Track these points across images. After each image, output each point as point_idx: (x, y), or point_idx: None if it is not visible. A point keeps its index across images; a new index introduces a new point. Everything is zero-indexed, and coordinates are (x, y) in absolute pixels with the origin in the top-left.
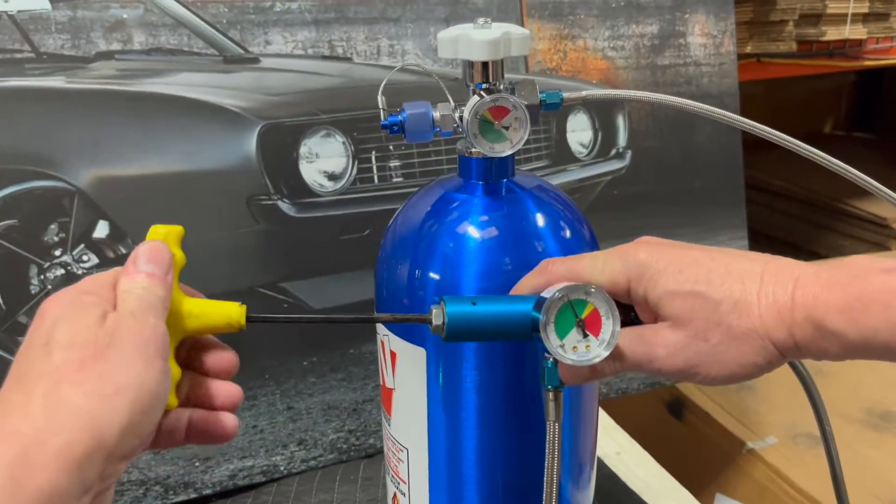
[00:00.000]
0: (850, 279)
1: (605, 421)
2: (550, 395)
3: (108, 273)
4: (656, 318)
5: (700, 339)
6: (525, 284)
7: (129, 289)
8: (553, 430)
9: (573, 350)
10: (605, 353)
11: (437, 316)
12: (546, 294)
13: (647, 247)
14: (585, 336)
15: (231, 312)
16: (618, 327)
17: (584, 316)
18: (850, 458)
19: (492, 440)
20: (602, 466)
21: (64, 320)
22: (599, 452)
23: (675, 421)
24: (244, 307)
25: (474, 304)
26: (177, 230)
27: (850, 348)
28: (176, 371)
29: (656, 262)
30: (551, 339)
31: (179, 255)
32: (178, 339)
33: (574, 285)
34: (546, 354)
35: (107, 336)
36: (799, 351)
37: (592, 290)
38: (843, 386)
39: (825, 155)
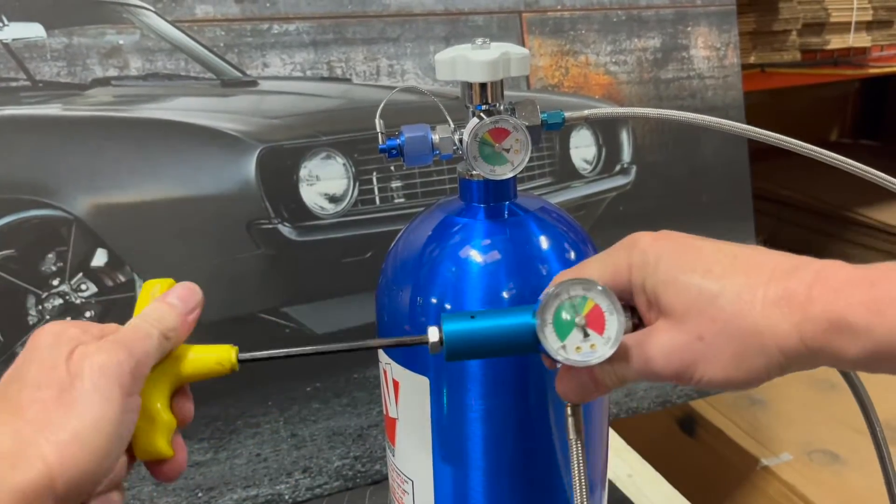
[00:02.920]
0: (880, 275)
1: (616, 442)
2: (569, 409)
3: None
4: (658, 315)
5: (695, 336)
6: None
7: (136, 321)
8: (576, 449)
9: (576, 351)
10: (611, 351)
11: (433, 334)
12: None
13: (654, 235)
14: (587, 336)
15: (222, 355)
16: (623, 321)
17: (584, 313)
18: (872, 474)
19: (498, 471)
20: (614, 490)
21: (37, 357)
22: (611, 475)
23: (687, 439)
24: (235, 348)
25: (473, 317)
26: (169, 282)
27: (872, 349)
28: (170, 419)
29: (658, 248)
30: (550, 341)
31: None
32: (174, 385)
33: (570, 280)
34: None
35: (69, 376)
36: (807, 353)
37: (589, 284)
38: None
39: (835, 155)
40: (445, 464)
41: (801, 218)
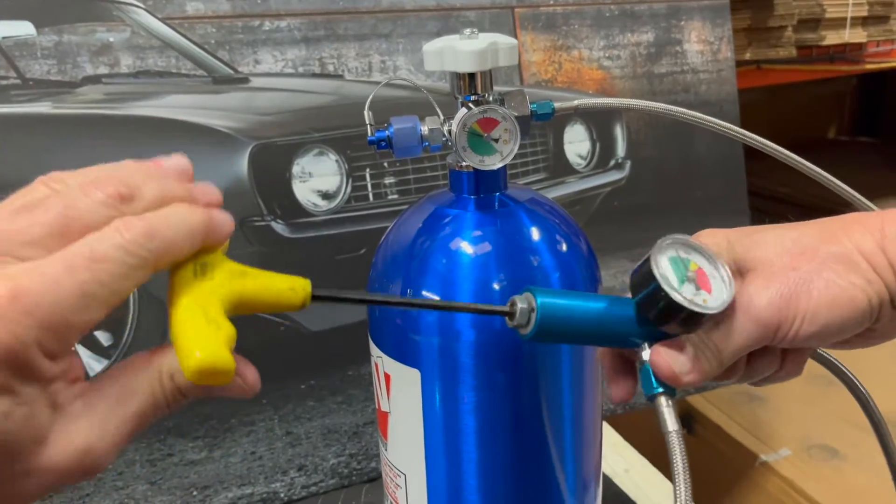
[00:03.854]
0: None
1: (613, 438)
2: (662, 400)
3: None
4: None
5: (788, 269)
6: None
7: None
8: (676, 441)
9: (696, 300)
10: (724, 306)
11: (522, 311)
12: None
13: (710, 229)
14: (698, 290)
15: (296, 281)
16: (731, 284)
17: (692, 270)
18: (872, 469)
19: (491, 464)
20: (610, 485)
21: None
22: (608, 471)
23: (685, 435)
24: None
25: (561, 293)
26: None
27: None
28: (231, 330)
29: (722, 231)
30: (671, 281)
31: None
32: (234, 300)
33: (671, 238)
34: (644, 358)
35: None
36: (892, 270)
37: (691, 246)
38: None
39: (806, 162)
40: (438, 457)
41: (800, 216)
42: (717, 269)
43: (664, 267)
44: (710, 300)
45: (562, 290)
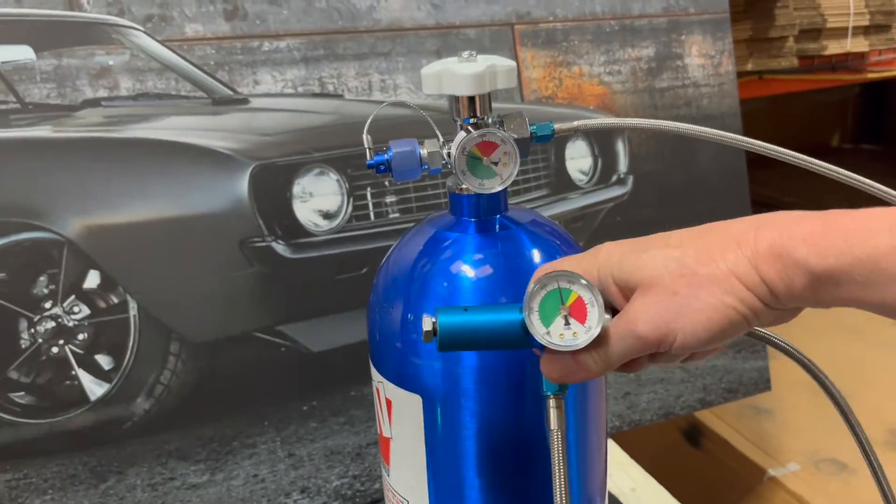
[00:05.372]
0: (818, 215)
1: (619, 456)
2: (552, 402)
3: None
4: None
5: (670, 292)
6: None
7: None
8: (556, 440)
9: (560, 337)
10: (591, 339)
11: (427, 323)
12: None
13: (614, 241)
14: (568, 324)
15: None
16: (603, 313)
17: (568, 304)
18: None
19: (495, 489)
20: None
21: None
22: (614, 490)
23: (692, 450)
24: None
25: (466, 311)
26: None
27: (815, 279)
28: None
29: (620, 246)
30: (536, 327)
31: None
32: None
33: (557, 272)
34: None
35: None
36: (767, 288)
37: (574, 277)
38: (865, 407)
39: (829, 165)
40: (441, 483)
41: None
42: (595, 297)
43: (534, 310)
44: (579, 332)
45: (470, 307)
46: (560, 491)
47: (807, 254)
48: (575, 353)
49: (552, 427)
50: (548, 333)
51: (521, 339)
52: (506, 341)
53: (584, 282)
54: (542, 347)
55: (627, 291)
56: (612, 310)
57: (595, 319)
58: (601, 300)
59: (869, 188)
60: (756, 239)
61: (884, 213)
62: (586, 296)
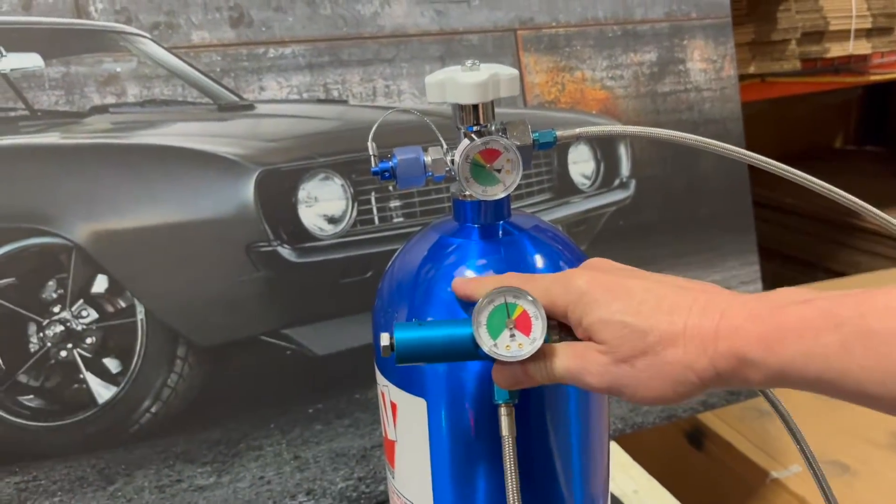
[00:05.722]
0: (771, 311)
1: (621, 458)
2: (503, 409)
3: None
4: (590, 340)
5: (627, 363)
6: (478, 288)
7: None
8: (507, 445)
9: (506, 349)
10: (534, 350)
11: (384, 339)
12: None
13: (588, 273)
14: (513, 336)
15: None
16: (545, 325)
17: (514, 317)
18: (883, 485)
19: (499, 492)
20: None
21: None
22: (617, 492)
23: (695, 452)
24: None
25: (420, 325)
26: None
27: (771, 377)
28: None
29: (593, 290)
30: (483, 339)
31: None
32: None
33: (502, 289)
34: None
35: None
36: (720, 379)
37: (520, 293)
38: (867, 411)
39: (820, 181)
40: (445, 485)
41: (809, 226)
42: (539, 311)
43: (482, 323)
44: (525, 343)
45: (425, 322)
46: (512, 494)
47: (762, 356)
48: (523, 362)
49: (504, 433)
50: (495, 345)
51: (473, 352)
52: (460, 354)
53: (529, 298)
54: (492, 359)
55: (589, 335)
56: (560, 325)
57: (539, 331)
58: (544, 314)
59: (859, 208)
60: (716, 341)
61: (828, 312)
62: (531, 310)
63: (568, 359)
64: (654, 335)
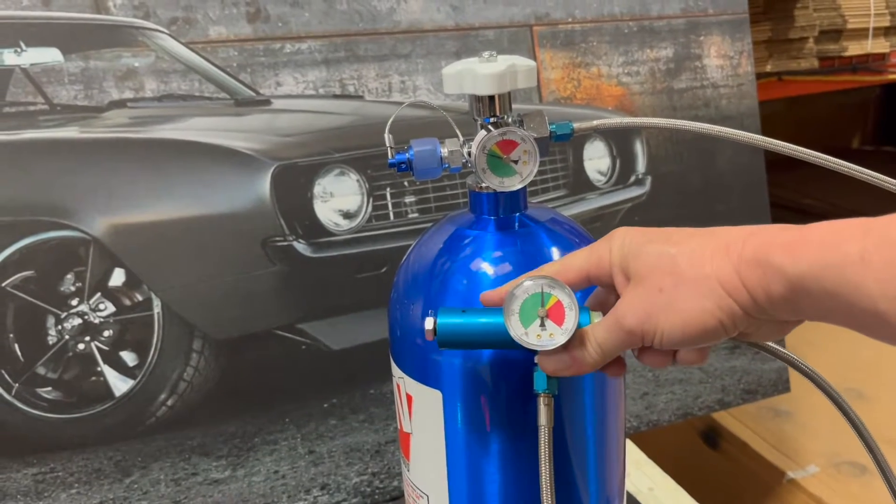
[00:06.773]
0: (803, 226)
1: (636, 455)
2: (542, 399)
3: None
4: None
5: (656, 288)
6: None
7: None
8: (544, 436)
9: (536, 338)
10: (565, 340)
11: (429, 322)
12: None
13: (624, 228)
14: (544, 325)
15: None
16: (577, 316)
17: (547, 307)
18: None
19: (514, 485)
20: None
21: None
22: (632, 489)
23: (710, 451)
24: None
25: (464, 312)
26: None
27: (792, 289)
28: None
29: (632, 233)
30: (514, 328)
31: None
32: None
33: (535, 279)
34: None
35: None
36: (747, 294)
37: (554, 282)
38: (885, 410)
39: (846, 163)
40: (460, 478)
41: None
42: (573, 302)
43: (514, 311)
44: (556, 333)
45: (469, 309)
46: (546, 486)
47: (783, 261)
48: (569, 348)
49: (542, 423)
50: (525, 334)
51: (512, 341)
52: (499, 342)
53: (563, 288)
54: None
55: (626, 277)
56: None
57: (572, 321)
58: (577, 305)
59: (890, 186)
60: (743, 246)
61: (858, 222)
62: (565, 300)
63: (604, 323)
64: (682, 256)
